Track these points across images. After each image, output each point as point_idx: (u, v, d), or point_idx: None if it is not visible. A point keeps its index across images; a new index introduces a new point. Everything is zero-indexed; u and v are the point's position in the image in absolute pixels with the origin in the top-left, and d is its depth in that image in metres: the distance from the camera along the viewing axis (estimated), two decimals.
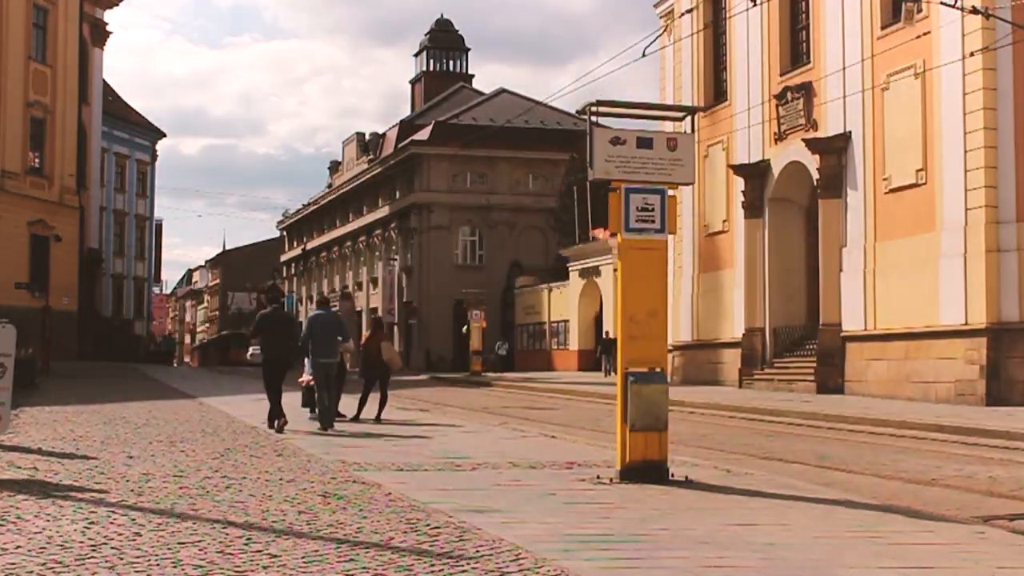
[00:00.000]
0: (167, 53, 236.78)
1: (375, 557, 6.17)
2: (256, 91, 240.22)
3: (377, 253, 64.47)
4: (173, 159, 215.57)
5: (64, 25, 45.94)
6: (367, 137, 69.88)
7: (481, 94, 67.18)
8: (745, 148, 31.83)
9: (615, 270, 10.60)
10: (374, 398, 17.57)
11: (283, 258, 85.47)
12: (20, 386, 17.93)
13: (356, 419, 17.18)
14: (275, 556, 6.15)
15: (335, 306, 53.18)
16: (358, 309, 61.84)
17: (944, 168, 24.30)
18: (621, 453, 9.81)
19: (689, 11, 31.09)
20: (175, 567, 5.81)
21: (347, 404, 17.55)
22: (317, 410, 16.59)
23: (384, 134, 67.64)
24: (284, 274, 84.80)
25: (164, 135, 67.79)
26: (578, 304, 48.65)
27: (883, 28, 26.49)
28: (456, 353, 53.75)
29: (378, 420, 17.13)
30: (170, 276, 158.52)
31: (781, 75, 30.48)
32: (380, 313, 61.27)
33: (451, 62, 75.57)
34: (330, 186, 75.69)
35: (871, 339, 26.48)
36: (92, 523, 7.12)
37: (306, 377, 18.05)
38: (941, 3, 20.25)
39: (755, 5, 25.34)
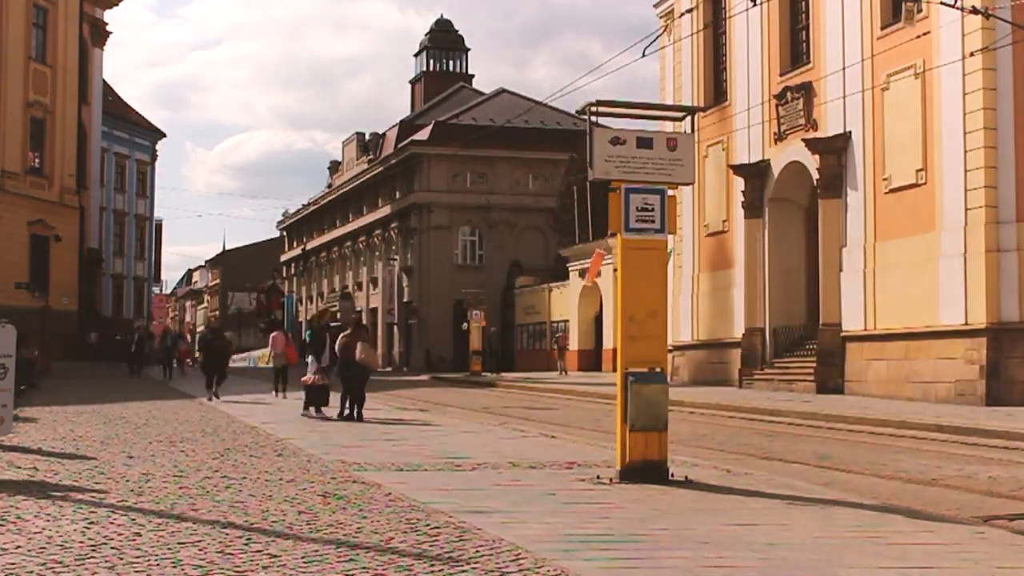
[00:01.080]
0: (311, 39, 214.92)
1: (375, 557, 6.17)
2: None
3: (377, 253, 64.44)
4: (276, 157, 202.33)
5: (64, 25, 45.94)
6: (367, 137, 69.88)
7: (481, 94, 67.17)
8: (745, 148, 31.82)
9: (615, 270, 10.60)
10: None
11: (283, 258, 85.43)
12: (19, 386, 17.95)
13: (341, 417, 17.37)
14: (275, 556, 6.15)
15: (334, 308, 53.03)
16: (358, 309, 61.82)
17: (944, 168, 24.30)
18: (621, 453, 9.81)
19: (689, 11, 31.08)
20: (175, 567, 5.81)
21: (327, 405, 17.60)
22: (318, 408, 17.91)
23: (384, 134, 67.62)
24: (284, 274, 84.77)
25: (164, 135, 67.77)
26: (578, 304, 48.63)
27: (883, 28, 26.48)
28: (456, 353, 53.74)
29: (359, 418, 17.28)
30: (170, 276, 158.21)
31: (781, 75, 30.47)
32: (380, 313, 61.42)
33: (451, 62, 75.57)
34: (330, 186, 75.67)
35: (871, 339, 26.48)
36: (92, 523, 7.13)
37: (309, 376, 18.27)
38: (941, 3, 20.25)
39: (755, 5, 25.32)
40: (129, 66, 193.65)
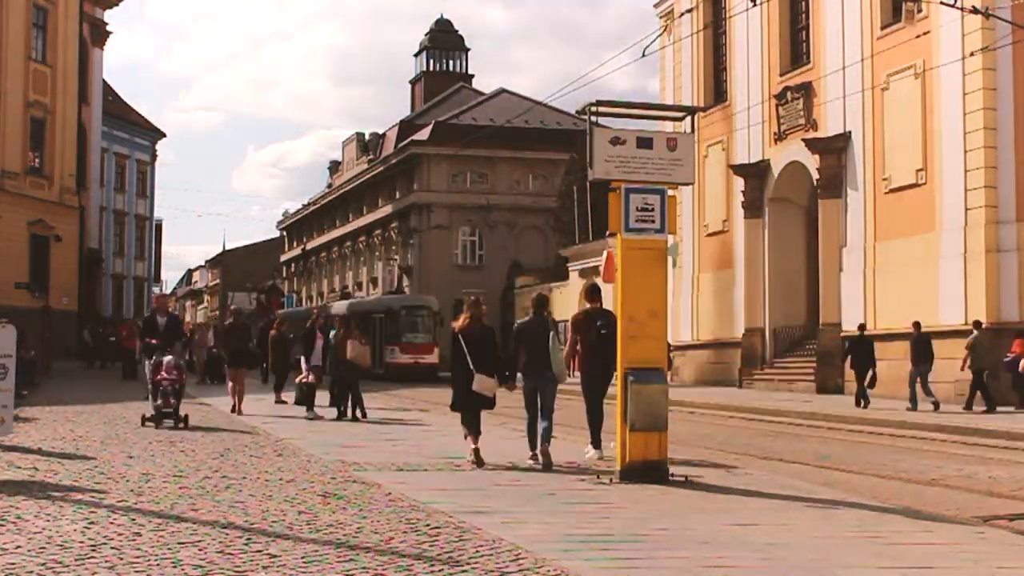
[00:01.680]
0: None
1: (375, 557, 6.17)
2: None
3: (377, 253, 64.45)
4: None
5: (64, 25, 45.93)
6: (367, 137, 69.89)
7: (481, 94, 67.16)
8: (745, 148, 31.82)
9: (615, 270, 10.58)
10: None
11: (283, 258, 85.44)
12: (22, 391, 17.94)
13: (340, 417, 17.35)
14: (275, 556, 6.15)
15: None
16: None
17: (944, 168, 24.31)
18: (621, 453, 9.81)
19: (689, 11, 31.11)
20: (175, 567, 5.81)
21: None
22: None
23: (384, 134, 67.63)
24: (284, 274, 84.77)
25: (164, 135, 67.75)
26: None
27: (883, 28, 26.49)
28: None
29: (355, 418, 17.27)
30: (170, 276, 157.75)
31: (781, 75, 30.48)
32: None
33: (451, 62, 75.57)
34: (330, 186, 75.69)
35: (871, 339, 26.45)
36: (92, 523, 7.12)
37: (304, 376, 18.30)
38: (941, 3, 20.25)
39: (755, 5, 25.32)
40: (220, 56, 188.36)
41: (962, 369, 21.63)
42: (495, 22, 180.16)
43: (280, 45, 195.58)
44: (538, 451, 10.92)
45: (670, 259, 10.01)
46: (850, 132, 27.44)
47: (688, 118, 11.18)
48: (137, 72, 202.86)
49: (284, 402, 20.59)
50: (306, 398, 18.07)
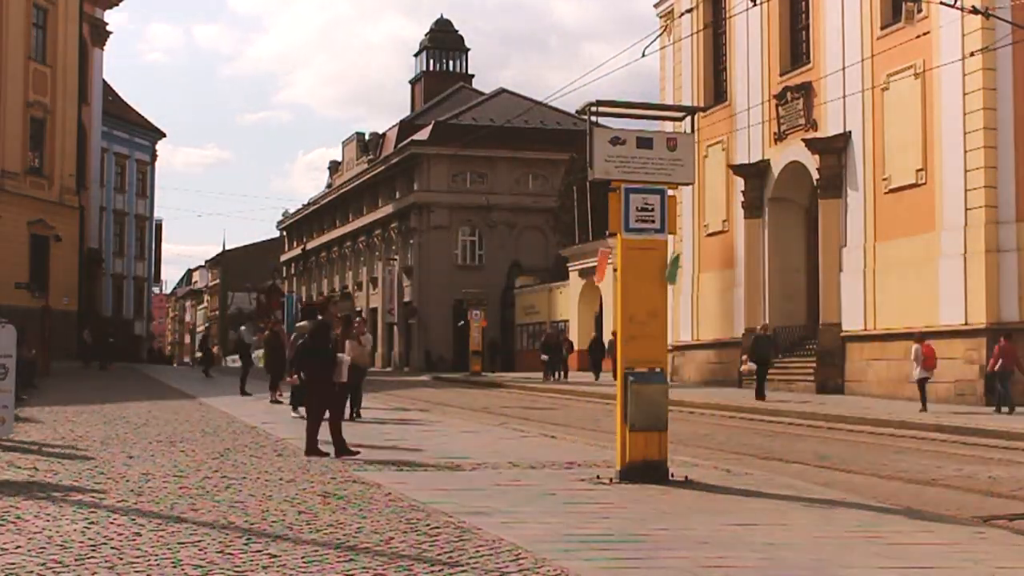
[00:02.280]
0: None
1: (375, 557, 6.17)
2: None
3: (377, 253, 64.44)
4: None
5: (64, 25, 45.92)
6: (367, 137, 69.88)
7: (481, 94, 67.15)
8: (745, 148, 31.82)
9: (615, 270, 10.59)
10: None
11: (283, 258, 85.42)
12: (21, 395, 17.92)
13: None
14: (275, 556, 6.15)
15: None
16: (358, 309, 61.80)
17: (944, 168, 24.30)
18: (621, 453, 9.81)
19: (689, 11, 31.06)
20: (175, 567, 5.81)
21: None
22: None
23: (384, 134, 67.64)
24: (284, 274, 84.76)
25: (164, 135, 67.70)
26: (578, 304, 48.62)
27: (883, 28, 26.49)
28: (456, 353, 53.73)
29: (357, 418, 17.21)
30: (170, 276, 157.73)
31: (781, 75, 30.47)
32: (380, 313, 61.40)
33: (451, 62, 75.57)
34: (330, 186, 75.70)
35: (871, 339, 26.47)
36: (92, 523, 7.12)
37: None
38: (941, 3, 20.23)
39: (755, 5, 25.30)
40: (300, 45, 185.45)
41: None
42: (566, 18, 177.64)
43: (358, 35, 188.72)
44: None
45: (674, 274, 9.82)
46: (850, 132, 27.43)
47: (688, 118, 11.18)
48: (215, 70, 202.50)
49: (280, 401, 20.56)
50: (300, 398, 17.92)
